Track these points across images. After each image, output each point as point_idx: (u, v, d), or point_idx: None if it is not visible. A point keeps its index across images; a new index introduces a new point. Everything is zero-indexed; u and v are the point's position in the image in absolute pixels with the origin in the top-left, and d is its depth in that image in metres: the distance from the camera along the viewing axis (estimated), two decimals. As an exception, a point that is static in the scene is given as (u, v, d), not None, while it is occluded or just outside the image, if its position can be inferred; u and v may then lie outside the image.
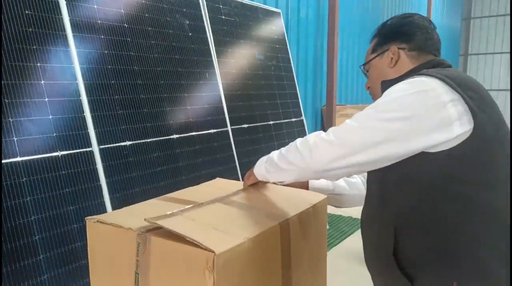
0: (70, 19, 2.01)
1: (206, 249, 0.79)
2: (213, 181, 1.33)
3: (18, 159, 1.73)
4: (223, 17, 3.04)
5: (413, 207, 0.98)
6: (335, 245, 3.41)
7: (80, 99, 1.99)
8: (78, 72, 2.00)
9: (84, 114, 2.00)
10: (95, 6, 2.14)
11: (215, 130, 2.75)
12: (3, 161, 1.67)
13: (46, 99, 1.85)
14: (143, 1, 2.42)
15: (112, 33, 2.20)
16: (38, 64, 1.85)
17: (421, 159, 0.94)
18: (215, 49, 2.88)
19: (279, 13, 3.72)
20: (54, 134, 1.86)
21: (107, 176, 2.04)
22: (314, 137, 0.99)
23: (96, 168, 2.01)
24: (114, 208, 2.01)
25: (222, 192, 1.17)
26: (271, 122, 3.35)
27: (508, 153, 0.98)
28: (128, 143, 2.18)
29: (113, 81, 2.16)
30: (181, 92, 2.54)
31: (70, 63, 1.98)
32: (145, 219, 0.90)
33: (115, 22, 2.23)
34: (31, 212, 1.73)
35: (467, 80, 0.98)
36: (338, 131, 0.97)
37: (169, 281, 0.87)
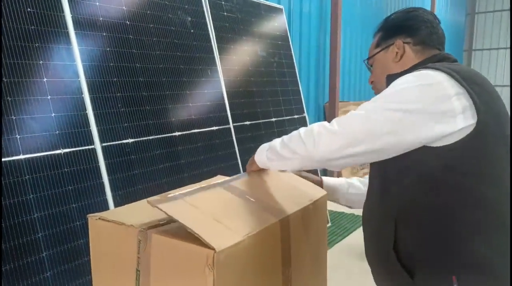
0: (72, 17, 2.01)
1: (206, 246, 0.79)
2: (214, 178, 1.34)
3: (21, 156, 1.73)
4: (225, 13, 3.03)
5: (413, 200, 0.98)
6: (337, 242, 3.42)
7: (83, 97, 2.00)
8: (80, 69, 2.00)
9: (86, 112, 2.00)
10: (97, 4, 2.14)
11: (217, 128, 2.75)
12: (6, 159, 1.68)
13: (49, 97, 1.86)
14: (145, -2, 2.42)
15: (114, 30, 2.20)
16: (41, 62, 1.85)
17: (422, 151, 0.94)
18: (217, 46, 2.88)
19: (282, 9, 3.71)
20: (57, 132, 1.87)
21: (109, 173, 2.05)
22: (318, 127, 0.98)
23: (99, 166, 2.01)
24: (116, 205, 2.02)
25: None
26: (273, 119, 3.34)
27: (509, 146, 0.98)
28: (130, 140, 2.18)
29: (115, 79, 2.16)
30: (183, 90, 2.54)
31: (72, 61, 1.98)
32: (147, 200, 0.90)
33: (117, 20, 2.23)
34: (34, 210, 1.74)
35: (472, 75, 0.98)
36: (342, 121, 0.96)
37: (169, 278, 0.87)
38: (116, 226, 0.95)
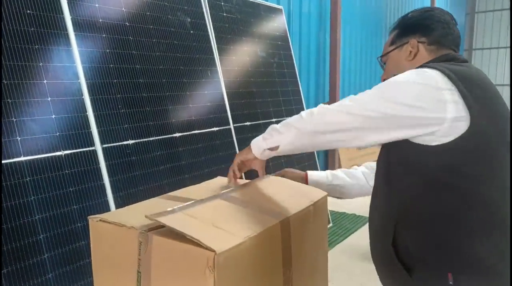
0: (71, 18, 2.01)
1: (207, 248, 0.79)
2: (214, 179, 1.34)
3: (22, 158, 1.74)
4: (224, 14, 3.04)
5: (414, 199, 0.99)
6: (338, 243, 3.42)
7: (83, 99, 2.00)
8: (80, 71, 2.00)
9: (87, 113, 2.00)
10: (97, 5, 2.14)
11: (217, 129, 2.75)
12: (6, 161, 1.69)
13: (49, 98, 1.86)
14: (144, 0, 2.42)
15: (113, 31, 2.20)
16: (40, 64, 1.85)
17: (422, 151, 0.95)
18: (217, 46, 2.88)
19: (281, 9, 3.71)
20: (57, 133, 1.87)
21: (110, 174, 2.05)
22: (319, 107, 1.04)
23: (99, 167, 2.02)
24: (117, 207, 2.03)
25: (223, 190, 1.17)
26: (273, 120, 3.34)
27: (509, 147, 0.98)
28: (130, 141, 2.18)
29: (115, 80, 2.16)
30: (183, 91, 2.54)
31: (72, 63, 1.98)
32: (146, 216, 0.91)
33: (117, 21, 2.23)
34: (35, 211, 1.75)
35: (472, 75, 0.98)
36: (340, 102, 1.02)
37: (170, 279, 0.87)
38: (117, 228, 0.95)
